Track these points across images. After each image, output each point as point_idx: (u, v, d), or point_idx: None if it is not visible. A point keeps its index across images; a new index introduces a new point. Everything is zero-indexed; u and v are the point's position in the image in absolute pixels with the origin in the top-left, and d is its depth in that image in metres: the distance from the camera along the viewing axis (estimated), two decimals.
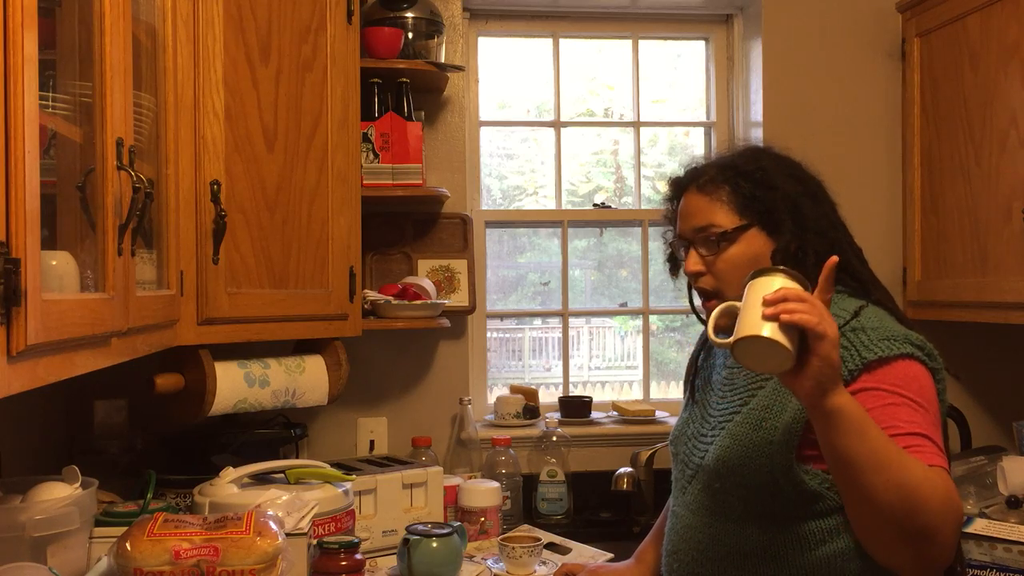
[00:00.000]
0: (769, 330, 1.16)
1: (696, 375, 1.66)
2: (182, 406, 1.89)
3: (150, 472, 1.71)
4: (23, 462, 1.75)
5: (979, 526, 1.84)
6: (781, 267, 1.25)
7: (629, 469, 2.39)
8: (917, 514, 1.19)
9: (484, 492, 2.16)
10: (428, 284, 2.35)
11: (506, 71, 2.75)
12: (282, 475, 1.81)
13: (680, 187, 1.55)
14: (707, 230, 1.47)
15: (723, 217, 1.46)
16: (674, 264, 1.63)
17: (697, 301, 1.59)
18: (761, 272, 1.24)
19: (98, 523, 1.52)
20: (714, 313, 1.29)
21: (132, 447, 2.05)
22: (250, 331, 1.86)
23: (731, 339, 1.21)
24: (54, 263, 1.09)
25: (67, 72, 1.20)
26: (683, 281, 1.60)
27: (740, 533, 1.41)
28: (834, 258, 1.22)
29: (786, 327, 1.16)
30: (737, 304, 1.24)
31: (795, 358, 1.17)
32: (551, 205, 2.76)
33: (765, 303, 1.17)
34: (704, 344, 1.68)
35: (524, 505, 2.40)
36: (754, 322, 1.18)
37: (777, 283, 1.20)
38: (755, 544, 1.39)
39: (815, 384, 1.17)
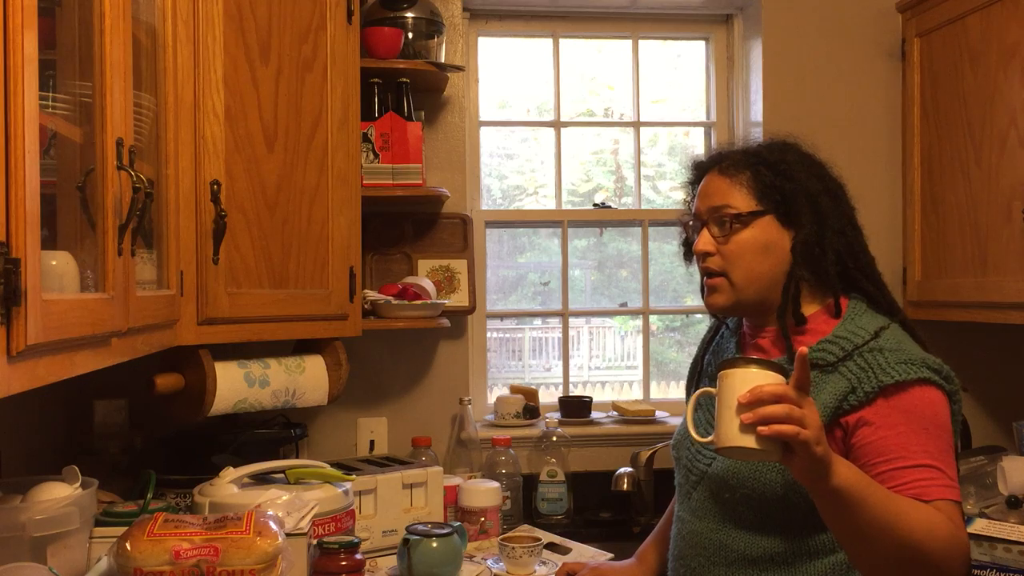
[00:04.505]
0: (749, 441, 1.15)
1: (700, 379, 1.66)
2: (182, 406, 1.89)
3: (150, 472, 1.71)
4: (23, 462, 1.75)
5: (979, 526, 1.84)
6: (754, 359, 1.22)
7: (629, 469, 2.39)
8: (920, 566, 1.23)
9: (484, 492, 2.16)
10: (428, 284, 2.35)
11: (506, 71, 2.75)
12: (282, 475, 1.81)
13: (702, 169, 1.55)
14: (721, 210, 1.46)
15: (740, 200, 1.46)
16: (688, 249, 1.62)
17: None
18: (732, 363, 1.21)
19: (98, 523, 1.52)
20: (690, 406, 1.30)
21: (132, 447, 2.05)
22: (250, 331, 1.86)
23: (712, 441, 1.20)
24: (54, 263, 1.09)
25: (67, 72, 1.20)
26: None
27: (750, 540, 1.41)
28: (804, 349, 1.17)
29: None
30: (712, 391, 1.23)
31: (781, 452, 1.16)
32: (551, 205, 2.76)
33: (740, 406, 1.16)
34: (708, 347, 1.68)
35: (524, 505, 2.40)
36: (732, 430, 1.17)
37: (751, 380, 1.17)
38: (765, 551, 1.40)
39: (807, 474, 1.18)
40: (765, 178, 1.46)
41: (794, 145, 1.54)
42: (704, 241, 1.48)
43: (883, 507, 1.21)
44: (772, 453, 1.16)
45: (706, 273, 1.50)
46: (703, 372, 1.66)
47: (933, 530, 1.23)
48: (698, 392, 1.30)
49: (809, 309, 1.47)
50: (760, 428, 1.14)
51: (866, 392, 1.33)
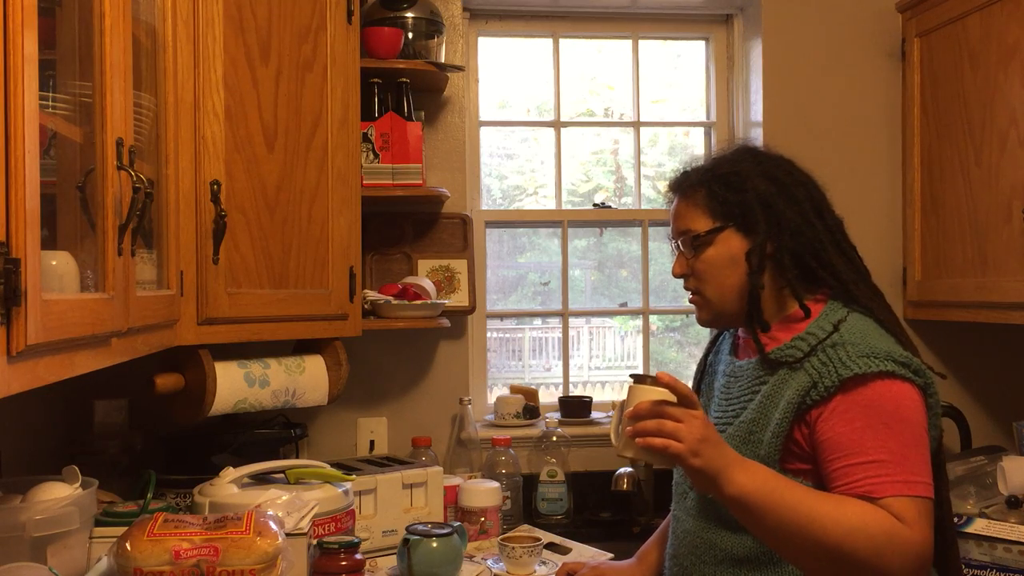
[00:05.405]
0: (630, 451, 1.31)
1: (703, 379, 1.68)
2: (182, 406, 1.89)
3: (150, 472, 1.71)
4: (23, 462, 1.75)
5: (979, 526, 1.84)
6: (647, 375, 1.35)
7: (629, 469, 2.39)
8: (842, 565, 1.24)
9: (484, 492, 2.16)
10: (428, 284, 2.35)
11: (506, 71, 2.75)
12: (282, 475, 1.81)
13: (672, 192, 1.59)
14: (685, 234, 1.51)
15: (698, 221, 1.49)
16: None
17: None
18: (637, 378, 1.36)
19: (98, 523, 1.52)
20: (612, 419, 1.43)
21: (132, 447, 2.05)
22: (250, 331, 1.86)
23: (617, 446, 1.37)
24: (54, 263, 1.09)
25: (67, 72, 1.20)
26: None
27: (735, 539, 1.42)
28: (662, 373, 1.31)
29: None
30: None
31: (665, 461, 1.30)
32: (551, 205, 2.76)
33: (626, 419, 1.31)
34: (711, 348, 1.70)
35: (524, 505, 2.40)
36: (623, 440, 1.33)
37: (638, 395, 1.32)
38: (749, 550, 1.41)
39: (695, 483, 1.30)
40: (717, 194, 1.48)
41: (752, 150, 1.55)
42: (678, 265, 1.54)
43: (793, 511, 1.24)
44: (655, 461, 1.32)
45: (687, 291, 1.56)
46: (706, 371, 1.68)
47: (855, 530, 1.22)
48: (619, 402, 1.42)
49: (785, 311, 1.48)
50: (637, 440, 1.28)
51: (826, 387, 1.33)
